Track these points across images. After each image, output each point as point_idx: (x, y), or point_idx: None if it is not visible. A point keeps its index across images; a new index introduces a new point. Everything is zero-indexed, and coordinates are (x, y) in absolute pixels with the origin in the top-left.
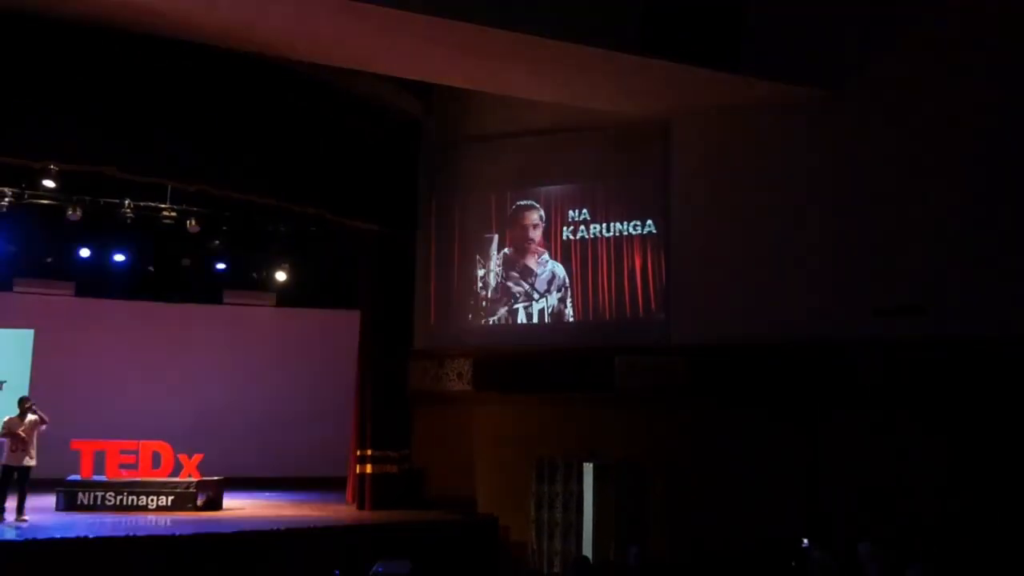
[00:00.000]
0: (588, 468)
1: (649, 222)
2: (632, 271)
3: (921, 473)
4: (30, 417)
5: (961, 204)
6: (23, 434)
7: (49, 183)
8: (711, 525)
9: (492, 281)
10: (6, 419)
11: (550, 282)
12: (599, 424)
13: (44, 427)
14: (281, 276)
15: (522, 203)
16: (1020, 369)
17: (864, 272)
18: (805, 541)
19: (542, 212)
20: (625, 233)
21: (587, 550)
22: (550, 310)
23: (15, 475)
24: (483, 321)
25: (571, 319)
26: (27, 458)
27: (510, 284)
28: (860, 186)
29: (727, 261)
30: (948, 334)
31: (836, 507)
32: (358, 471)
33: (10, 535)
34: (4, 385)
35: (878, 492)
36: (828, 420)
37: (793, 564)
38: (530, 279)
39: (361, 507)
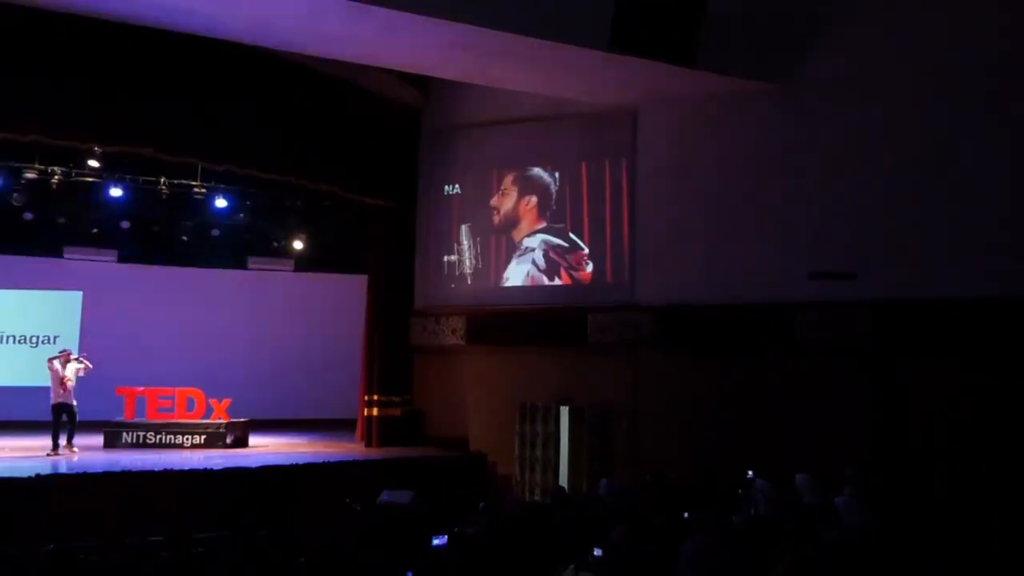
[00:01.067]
0: (564, 411)
1: (618, 198)
2: (604, 240)
3: (848, 413)
4: (74, 366)
5: (884, 186)
6: (68, 378)
7: (94, 163)
8: (670, 459)
9: (482, 249)
10: (50, 359)
11: (530, 251)
12: (574, 373)
13: (84, 373)
14: (299, 244)
15: (508, 181)
16: (929, 325)
17: (802, 243)
18: (750, 473)
19: (525, 189)
20: (597, 207)
21: (563, 482)
22: (531, 274)
23: (63, 415)
24: (474, 284)
25: (550, 283)
26: (71, 397)
27: (497, 252)
28: (800, 168)
29: (685, 232)
30: (873, 297)
31: (777, 443)
32: (366, 413)
33: (63, 468)
34: (57, 339)
35: (811, 429)
36: (770, 368)
37: (740, 492)
38: (514, 248)
39: (369, 445)
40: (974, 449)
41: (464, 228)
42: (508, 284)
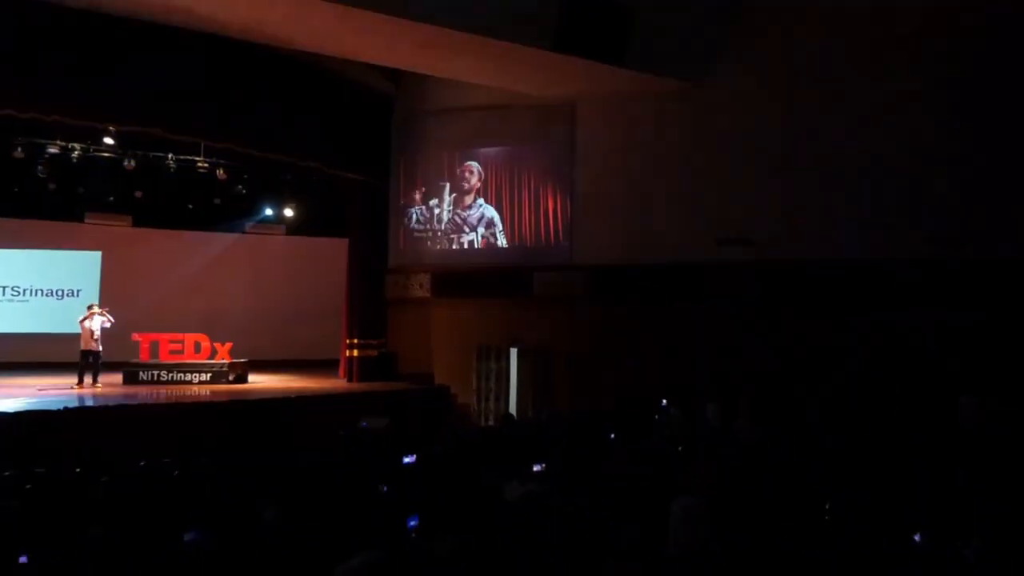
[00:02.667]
0: (513, 352)
1: (559, 176)
2: (547, 211)
3: (745, 353)
4: (97, 318)
5: (774, 170)
6: (93, 329)
7: (109, 140)
8: (599, 391)
9: (444, 217)
10: (81, 319)
11: (485, 219)
12: (521, 320)
13: (109, 325)
14: (289, 212)
15: (466, 160)
16: (805, 282)
17: (708, 215)
18: (664, 402)
19: (480, 167)
20: (541, 184)
21: (512, 409)
22: (486, 239)
23: (90, 358)
24: (438, 246)
25: (502, 246)
26: (97, 345)
27: (457, 220)
28: (707, 153)
29: (613, 205)
30: (767, 258)
31: (688, 377)
32: (347, 355)
33: (90, 402)
34: (80, 292)
35: (715, 366)
36: (682, 317)
37: (657, 418)
38: (471, 216)
39: (350, 381)
40: (840, 382)
41: (431, 199)
42: (466, 247)
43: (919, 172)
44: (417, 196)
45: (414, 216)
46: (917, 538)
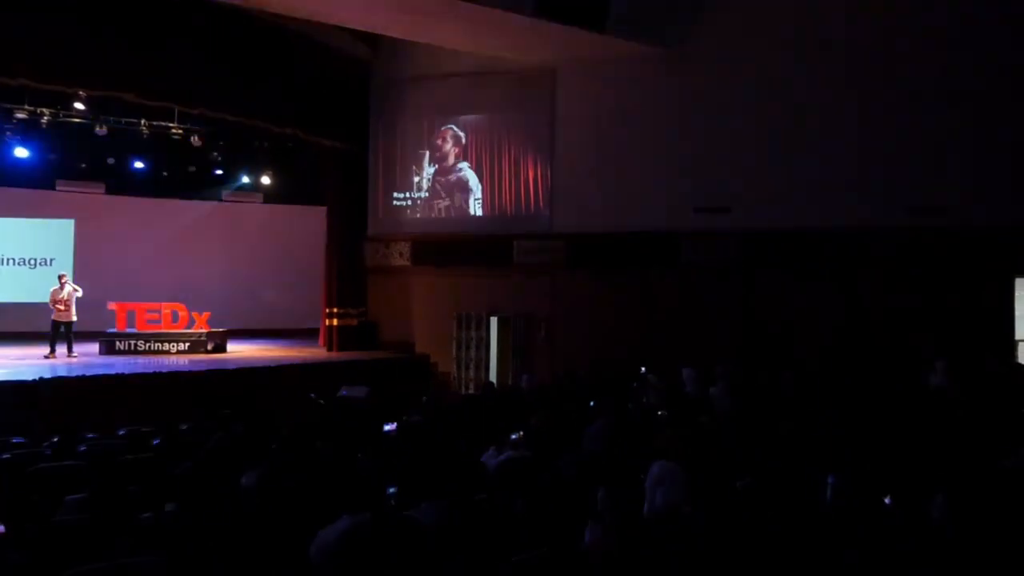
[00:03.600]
0: (493, 320)
1: (539, 143)
2: (527, 179)
3: (722, 320)
4: (68, 287)
5: (755, 137)
6: (66, 298)
7: (80, 105)
8: (579, 359)
9: (424, 185)
10: (52, 290)
11: (465, 187)
12: (501, 289)
13: (79, 294)
14: (267, 180)
15: (446, 127)
16: (790, 248)
17: (687, 182)
18: (643, 369)
19: (461, 135)
20: (522, 152)
21: (492, 378)
22: (465, 207)
23: (62, 328)
24: (418, 214)
25: (481, 214)
26: (70, 315)
27: (437, 187)
28: (686, 121)
29: (593, 173)
30: (745, 226)
31: (665, 344)
32: (327, 324)
33: (64, 372)
34: (53, 262)
35: (693, 333)
36: (660, 284)
37: (635, 385)
38: (451, 184)
39: (330, 349)
40: (815, 346)
41: (411, 166)
42: (445, 214)
43: (897, 140)
44: (396, 163)
45: (394, 184)
46: (887, 500)
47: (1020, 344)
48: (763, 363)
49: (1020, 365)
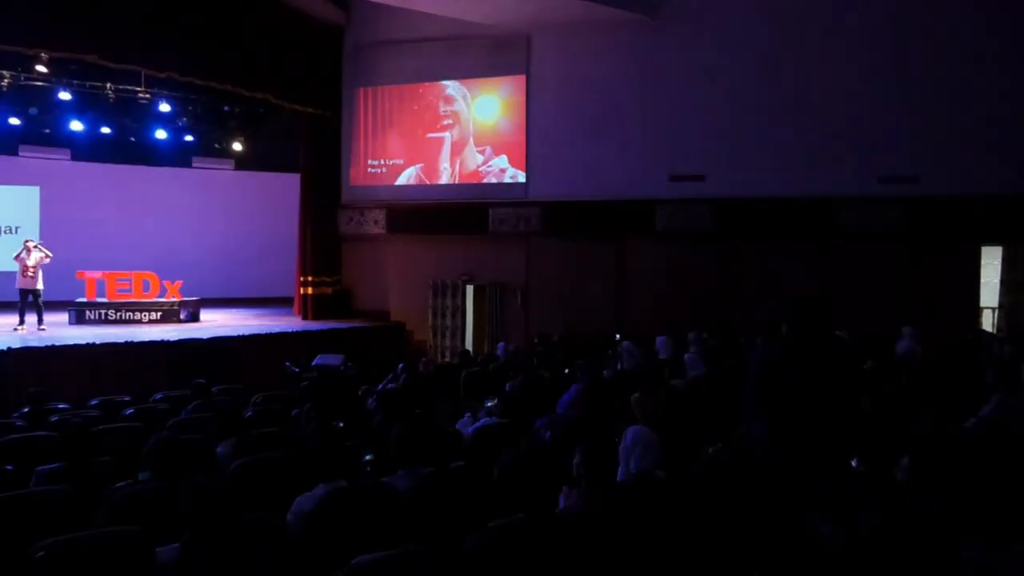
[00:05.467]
0: (469, 288)
1: (515, 109)
2: (502, 145)
3: (695, 286)
4: (36, 253)
5: (730, 105)
6: (32, 265)
7: (42, 68)
8: (554, 326)
9: (398, 152)
10: (16, 256)
11: (439, 154)
12: (477, 257)
13: (48, 260)
14: (238, 147)
15: (421, 93)
16: (763, 217)
17: (662, 150)
18: (618, 335)
19: (435, 101)
20: (498, 117)
21: (468, 345)
22: (440, 174)
23: (30, 296)
24: (392, 182)
25: (456, 181)
26: (37, 283)
27: (411, 154)
28: (662, 87)
29: (569, 140)
30: (716, 194)
31: (639, 311)
32: (302, 292)
33: (34, 342)
34: (19, 229)
35: (666, 300)
36: (635, 251)
37: (609, 352)
38: (425, 151)
39: (305, 318)
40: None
41: (385, 133)
42: (421, 182)
43: (869, 110)
44: (370, 130)
45: (368, 150)
46: (853, 462)
47: (984, 311)
48: (736, 329)
49: (984, 331)
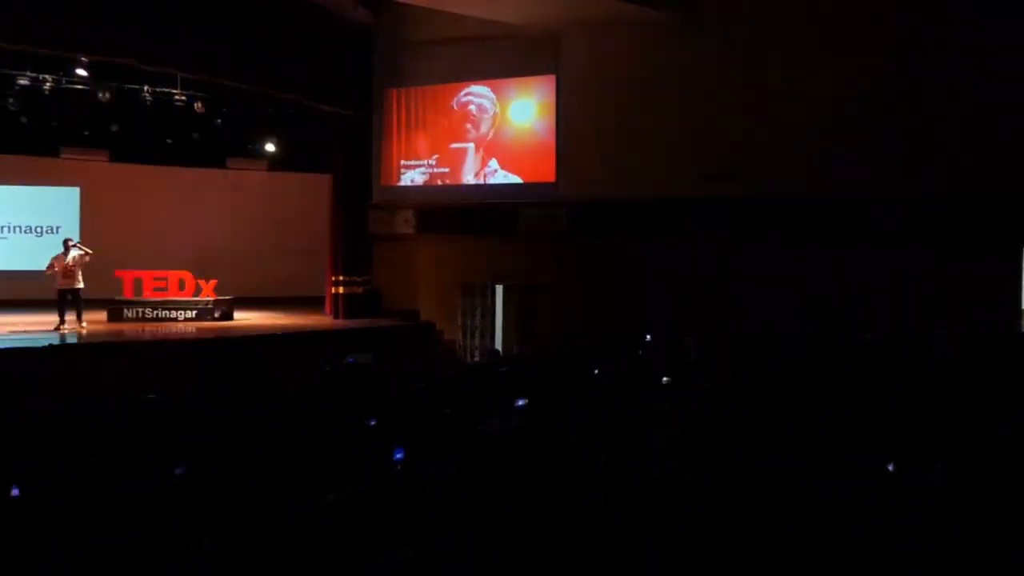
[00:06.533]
0: (499, 288)
1: (546, 111)
2: (532, 147)
3: (727, 285)
4: (74, 252)
5: (762, 103)
6: (71, 264)
7: (82, 71)
8: (583, 326)
9: (428, 152)
10: (53, 257)
11: (469, 154)
12: (507, 257)
13: (88, 259)
14: (270, 147)
15: (450, 93)
16: (797, 216)
17: (694, 149)
18: (648, 336)
19: (465, 101)
20: (527, 117)
21: (498, 345)
22: (470, 174)
23: (69, 296)
24: (422, 182)
25: (486, 182)
26: (76, 282)
27: (441, 155)
28: (692, 86)
29: (598, 139)
30: (747, 193)
31: (670, 312)
32: (333, 292)
33: (73, 339)
34: (59, 229)
35: (697, 299)
36: (665, 251)
37: (640, 352)
38: (455, 152)
39: (336, 317)
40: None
41: (415, 133)
42: (451, 183)
43: (908, 108)
44: (401, 130)
45: (398, 151)
46: (891, 467)
47: None
48: (767, 330)
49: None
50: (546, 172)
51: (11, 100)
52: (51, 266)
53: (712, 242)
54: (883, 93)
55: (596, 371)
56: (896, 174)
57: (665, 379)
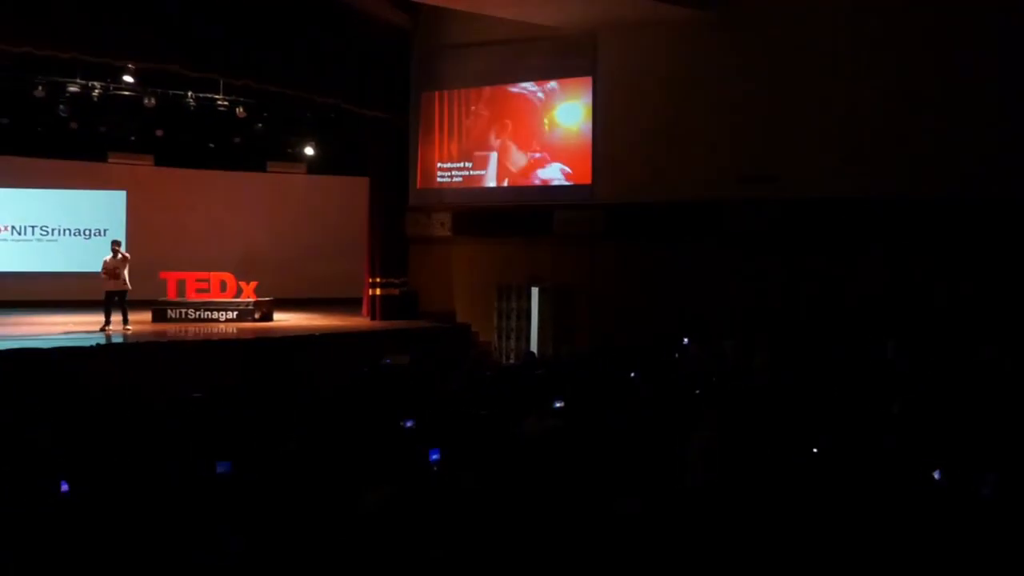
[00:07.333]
0: (534, 291)
1: (581, 113)
2: (567, 149)
3: (764, 290)
4: (120, 255)
5: (802, 103)
6: (117, 267)
7: (128, 78)
8: (619, 329)
9: (465, 155)
10: (105, 260)
11: (506, 156)
12: (542, 260)
13: (126, 263)
14: (310, 151)
15: (487, 96)
16: (835, 221)
17: (732, 150)
18: (686, 340)
19: (502, 103)
20: (564, 119)
21: (533, 347)
22: (506, 177)
23: (116, 298)
24: (458, 185)
25: (522, 184)
26: (123, 285)
27: (478, 157)
28: (731, 86)
29: (635, 141)
30: (789, 195)
31: (707, 315)
32: (370, 293)
33: (119, 339)
34: (107, 232)
35: (735, 302)
36: (702, 255)
37: (676, 356)
38: (492, 154)
39: (373, 319)
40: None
41: (452, 136)
42: (487, 184)
43: (960, 106)
44: (437, 133)
45: (435, 154)
46: (937, 475)
47: None
48: (806, 334)
49: None
50: (582, 174)
51: (62, 107)
52: (105, 268)
53: (751, 244)
54: (929, 90)
55: (633, 374)
56: (950, 173)
57: (702, 384)
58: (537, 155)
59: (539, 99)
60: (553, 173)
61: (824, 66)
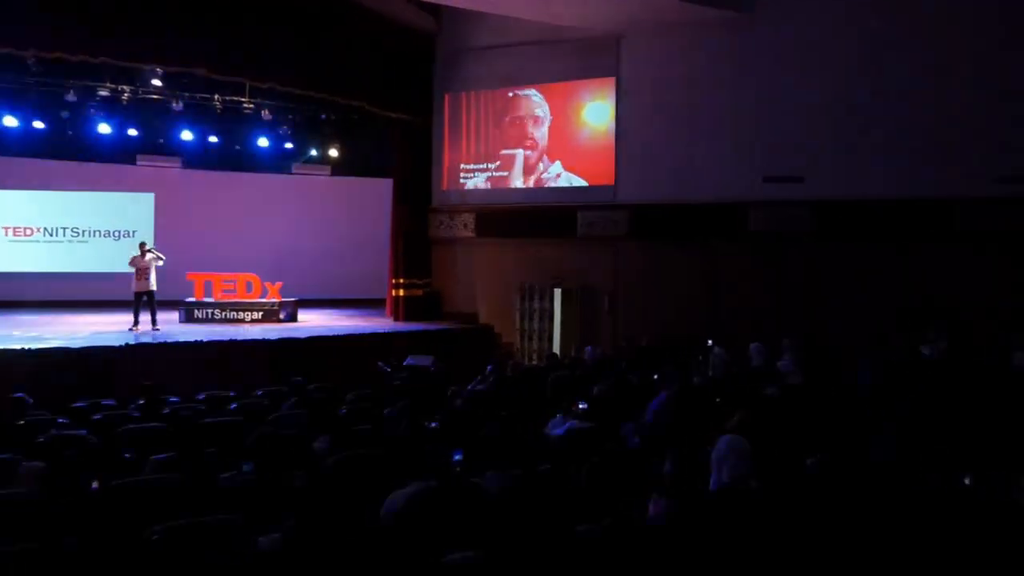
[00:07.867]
0: (557, 292)
1: (604, 114)
2: (591, 150)
3: (790, 290)
4: (149, 255)
5: (827, 103)
6: (145, 267)
7: (157, 82)
8: (642, 331)
9: (488, 156)
10: (132, 258)
11: (528, 158)
12: (565, 260)
13: (161, 263)
14: (334, 153)
15: (510, 98)
16: (856, 221)
17: (756, 151)
18: (709, 341)
19: (526, 105)
20: (587, 120)
21: (555, 348)
22: (529, 178)
23: (144, 298)
24: (482, 186)
25: (545, 185)
26: (151, 285)
27: (501, 159)
28: (754, 86)
29: (659, 142)
30: (813, 196)
31: (731, 316)
32: (393, 294)
33: (147, 339)
34: (135, 233)
35: (759, 303)
36: (726, 256)
37: (700, 358)
38: (515, 156)
39: (396, 319)
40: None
41: (475, 138)
42: (510, 186)
43: (987, 103)
44: (460, 135)
45: (458, 156)
46: (967, 480)
47: None
48: (832, 336)
49: None
50: (605, 175)
51: (92, 110)
52: (133, 264)
53: (776, 245)
54: (960, 83)
55: (656, 376)
56: (979, 173)
57: (729, 386)
58: (559, 158)
59: (562, 100)
60: (574, 175)
61: (849, 67)
